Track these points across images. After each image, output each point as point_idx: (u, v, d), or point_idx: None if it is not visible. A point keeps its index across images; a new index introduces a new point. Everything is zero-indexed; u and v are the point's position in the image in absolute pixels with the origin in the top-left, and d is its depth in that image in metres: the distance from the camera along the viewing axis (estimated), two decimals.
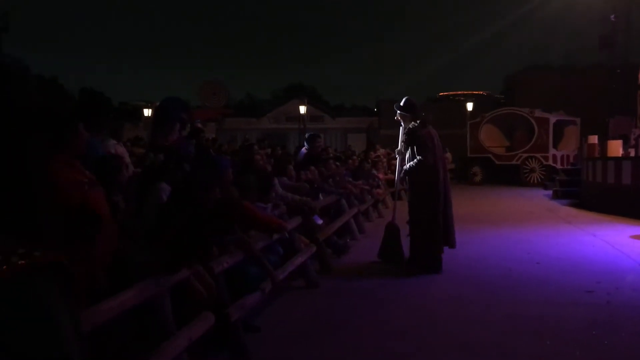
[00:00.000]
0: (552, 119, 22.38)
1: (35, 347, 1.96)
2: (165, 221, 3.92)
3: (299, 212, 6.66)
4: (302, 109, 32.94)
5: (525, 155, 22.42)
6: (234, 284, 4.45)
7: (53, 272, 2.06)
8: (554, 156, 22.10)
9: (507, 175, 22.23)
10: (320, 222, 7.60)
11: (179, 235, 3.81)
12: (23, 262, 1.93)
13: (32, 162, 2.43)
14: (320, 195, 8.40)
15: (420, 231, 6.78)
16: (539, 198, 16.69)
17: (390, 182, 13.64)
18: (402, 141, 7.15)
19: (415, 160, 6.81)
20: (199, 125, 9.36)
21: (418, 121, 6.97)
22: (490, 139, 23.82)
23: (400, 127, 7.23)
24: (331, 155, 12.51)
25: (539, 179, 21.59)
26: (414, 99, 7.24)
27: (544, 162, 22.03)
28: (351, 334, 4.71)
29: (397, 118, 7.20)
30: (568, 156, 21.92)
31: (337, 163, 12.38)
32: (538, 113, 22.56)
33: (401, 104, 7.12)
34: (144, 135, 14.56)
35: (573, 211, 13.22)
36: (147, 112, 29.03)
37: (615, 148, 13.72)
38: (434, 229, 6.74)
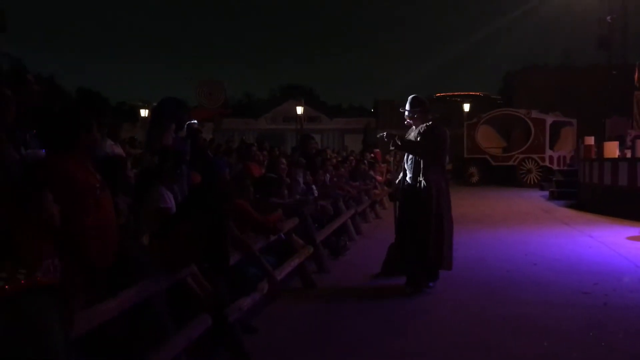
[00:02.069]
0: (549, 119, 22.43)
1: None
2: (178, 225, 3.85)
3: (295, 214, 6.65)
4: (299, 110, 33.00)
5: (521, 156, 22.46)
6: (232, 284, 4.44)
7: (49, 292, 2.16)
8: (551, 157, 22.14)
9: (504, 176, 22.28)
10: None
11: (192, 239, 3.74)
12: (24, 281, 2.02)
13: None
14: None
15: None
16: (535, 199, 16.71)
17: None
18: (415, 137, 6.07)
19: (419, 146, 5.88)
20: (196, 125, 9.33)
21: (430, 118, 6.07)
22: (487, 139, 23.86)
23: (412, 129, 6.19)
24: (328, 156, 12.50)
25: (536, 180, 21.63)
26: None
27: (541, 163, 22.07)
28: (351, 334, 4.71)
29: (408, 122, 6.19)
30: (565, 157, 21.97)
31: (340, 168, 12.39)
32: (534, 114, 22.60)
33: (408, 104, 6.14)
34: (140, 136, 14.57)
35: (570, 212, 13.25)
36: (144, 112, 28.99)
37: (612, 149, 13.75)
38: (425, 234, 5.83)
